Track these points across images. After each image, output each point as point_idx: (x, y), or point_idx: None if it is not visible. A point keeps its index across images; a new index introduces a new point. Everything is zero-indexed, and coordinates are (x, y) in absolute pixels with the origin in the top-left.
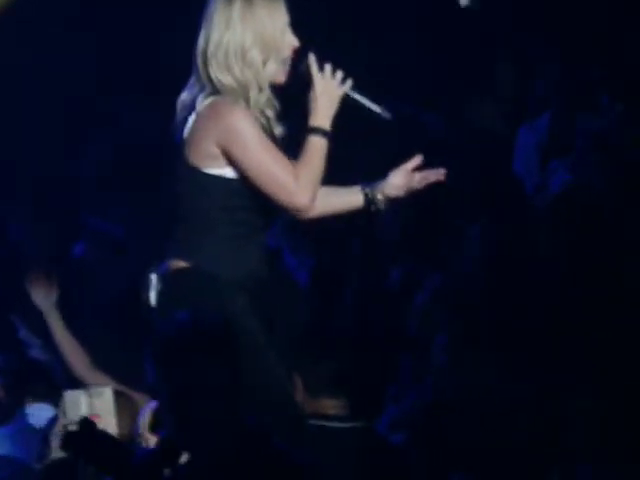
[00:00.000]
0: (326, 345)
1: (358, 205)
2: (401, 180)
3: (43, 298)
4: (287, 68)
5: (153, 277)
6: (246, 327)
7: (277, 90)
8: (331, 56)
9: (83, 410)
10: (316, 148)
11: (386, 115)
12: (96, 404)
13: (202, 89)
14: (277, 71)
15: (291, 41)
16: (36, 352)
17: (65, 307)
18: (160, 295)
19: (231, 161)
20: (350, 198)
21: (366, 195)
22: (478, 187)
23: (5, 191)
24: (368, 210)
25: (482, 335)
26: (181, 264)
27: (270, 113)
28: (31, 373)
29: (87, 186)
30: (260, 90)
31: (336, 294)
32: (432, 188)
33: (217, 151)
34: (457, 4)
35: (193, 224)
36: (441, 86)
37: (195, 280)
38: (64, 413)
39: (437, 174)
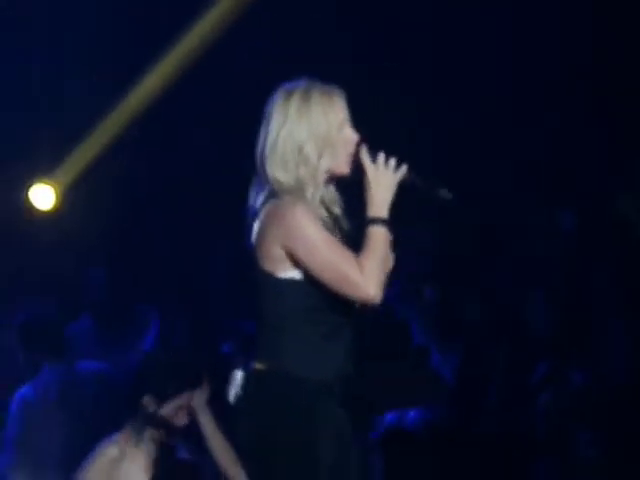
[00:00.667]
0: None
1: None
2: None
3: (197, 397)
4: (350, 161)
5: (238, 374)
6: (319, 446)
7: (343, 183)
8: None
9: None
10: (376, 238)
11: (447, 196)
12: None
13: (262, 189)
14: (337, 165)
15: (350, 136)
16: (183, 452)
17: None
18: (242, 394)
19: (296, 262)
20: None
21: None
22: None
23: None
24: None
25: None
26: (266, 365)
27: (336, 208)
28: (179, 472)
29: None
30: (317, 186)
31: (480, 392)
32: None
33: (283, 254)
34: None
35: (275, 326)
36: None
37: (279, 383)
38: None
39: None
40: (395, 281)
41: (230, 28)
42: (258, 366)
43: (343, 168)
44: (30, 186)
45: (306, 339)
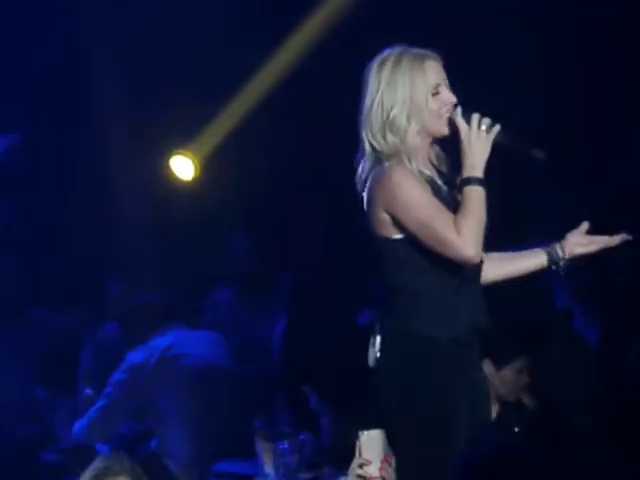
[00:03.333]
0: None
1: (540, 267)
2: (583, 238)
3: None
4: (447, 122)
5: (376, 339)
6: (448, 405)
7: (448, 142)
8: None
9: (380, 450)
10: (472, 198)
11: (540, 155)
12: None
13: (365, 157)
14: (432, 127)
15: (446, 98)
16: (325, 422)
17: None
18: (380, 358)
19: (400, 224)
20: (531, 261)
21: (550, 255)
22: None
23: None
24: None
25: None
26: (398, 328)
27: (444, 167)
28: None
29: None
30: (411, 150)
31: (621, 356)
32: None
33: (388, 217)
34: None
35: (401, 289)
36: None
37: (414, 344)
38: (360, 453)
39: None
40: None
41: None
42: (390, 330)
43: (440, 129)
44: (170, 156)
45: (432, 297)
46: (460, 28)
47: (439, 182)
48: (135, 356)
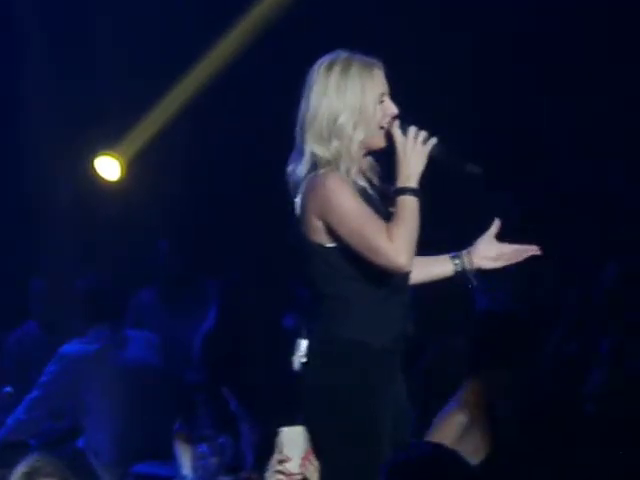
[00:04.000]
0: None
1: (446, 275)
2: (491, 250)
3: None
4: (386, 134)
5: (302, 343)
6: (375, 409)
7: (382, 154)
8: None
9: (301, 446)
10: (406, 207)
11: (475, 171)
12: None
13: (301, 162)
14: (373, 138)
15: (388, 109)
16: (244, 426)
17: None
18: (305, 362)
19: (333, 232)
20: (438, 269)
21: (456, 266)
22: None
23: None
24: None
25: None
26: (326, 333)
27: (375, 178)
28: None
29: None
30: (352, 159)
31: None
32: None
33: (322, 224)
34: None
35: (331, 295)
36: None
37: (341, 349)
38: (280, 449)
39: (533, 249)
40: None
41: None
42: (318, 334)
43: (379, 141)
44: (95, 157)
45: (362, 305)
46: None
47: (370, 192)
48: (69, 348)
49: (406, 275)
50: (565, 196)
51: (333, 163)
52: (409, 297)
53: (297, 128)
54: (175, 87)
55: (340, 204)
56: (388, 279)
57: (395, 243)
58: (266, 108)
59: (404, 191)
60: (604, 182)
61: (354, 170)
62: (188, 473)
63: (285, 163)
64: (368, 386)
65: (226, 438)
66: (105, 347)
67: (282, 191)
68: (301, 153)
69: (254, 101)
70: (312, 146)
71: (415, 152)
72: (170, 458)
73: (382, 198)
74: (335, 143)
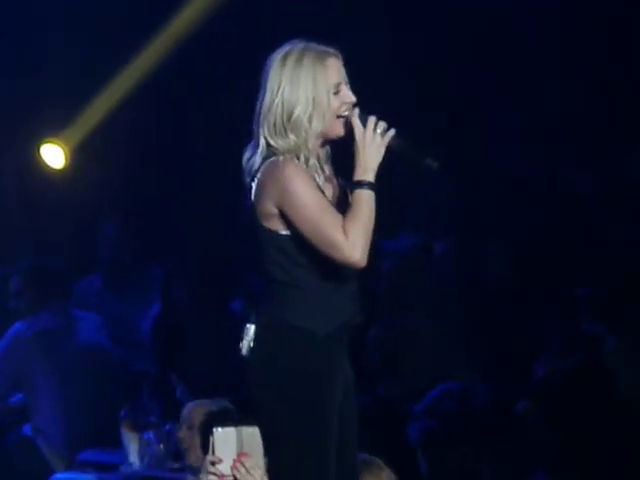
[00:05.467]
0: None
1: None
2: None
3: None
4: (345, 122)
5: (250, 328)
6: (321, 394)
7: (339, 143)
8: None
9: (233, 448)
10: (361, 201)
11: (432, 165)
12: (246, 443)
13: (257, 149)
14: (330, 127)
15: (346, 98)
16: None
17: None
18: (253, 347)
19: (287, 220)
20: None
21: None
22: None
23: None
24: None
25: None
26: (274, 319)
27: (327, 169)
28: None
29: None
30: (309, 150)
31: None
32: None
33: (278, 211)
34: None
35: (281, 281)
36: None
37: (288, 334)
38: (213, 450)
39: None
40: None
41: None
42: (267, 319)
43: (337, 130)
44: (40, 145)
45: (312, 292)
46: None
47: (321, 183)
48: (19, 326)
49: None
50: (516, 181)
51: (291, 153)
52: (357, 285)
53: (254, 117)
54: (119, 74)
55: (297, 192)
56: (339, 269)
57: (350, 238)
58: (212, 95)
59: (361, 184)
60: (555, 168)
61: (312, 161)
62: (135, 460)
63: (231, 149)
64: (313, 372)
65: (172, 425)
66: (55, 327)
67: (229, 177)
68: (257, 142)
69: (199, 87)
70: (268, 138)
71: (374, 144)
72: (117, 444)
73: (335, 189)
74: (292, 136)
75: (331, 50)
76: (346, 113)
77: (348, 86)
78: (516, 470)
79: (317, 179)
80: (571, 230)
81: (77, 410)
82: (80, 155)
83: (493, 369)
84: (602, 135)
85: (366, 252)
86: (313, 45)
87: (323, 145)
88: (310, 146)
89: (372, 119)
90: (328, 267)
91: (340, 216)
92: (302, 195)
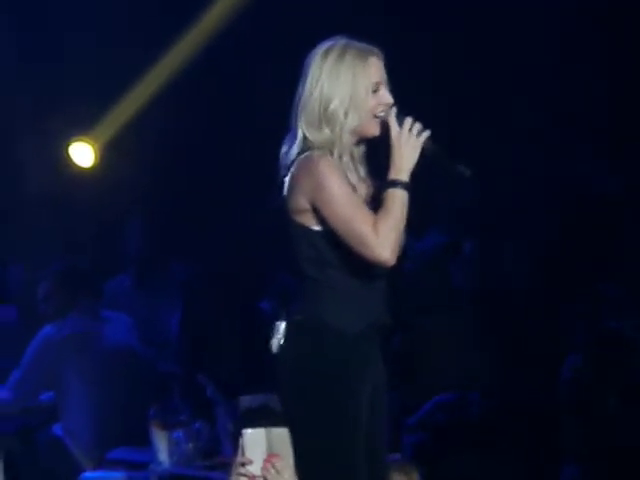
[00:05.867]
0: None
1: None
2: None
3: None
4: (380, 123)
5: (281, 325)
6: (348, 392)
7: (375, 143)
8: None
9: (263, 449)
10: (394, 200)
11: (465, 171)
12: (276, 444)
13: (294, 144)
14: (366, 126)
15: (383, 98)
16: (221, 411)
17: None
18: (283, 344)
19: (320, 215)
20: None
21: None
22: None
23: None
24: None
25: None
26: (305, 316)
27: (362, 169)
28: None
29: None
30: (343, 146)
31: None
32: None
33: (309, 207)
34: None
35: (312, 278)
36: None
37: (318, 332)
38: (243, 451)
39: None
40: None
41: None
42: (298, 317)
43: (372, 129)
44: (69, 143)
45: (342, 290)
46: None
47: (355, 181)
48: (49, 330)
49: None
50: (533, 180)
51: (325, 148)
52: (386, 283)
53: (293, 111)
54: (149, 72)
55: (330, 187)
56: (370, 267)
57: (381, 236)
58: (240, 94)
59: (395, 184)
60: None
61: (345, 157)
62: (164, 459)
63: (259, 147)
64: (341, 371)
65: (202, 424)
66: (85, 329)
67: (259, 175)
68: (295, 136)
69: (229, 86)
70: (305, 130)
71: (409, 144)
72: (146, 444)
73: (369, 190)
74: (326, 129)
75: (374, 49)
76: (382, 114)
77: (387, 87)
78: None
79: (350, 177)
80: (591, 229)
81: (107, 411)
82: (109, 153)
83: (518, 371)
84: (619, 133)
85: (396, 251)
86: (356, 42)
87: (358, 144)
88: (344, 141)
89: (408, 120)
90: (359, 265)
91: (372, 214)
92: (336, 191)
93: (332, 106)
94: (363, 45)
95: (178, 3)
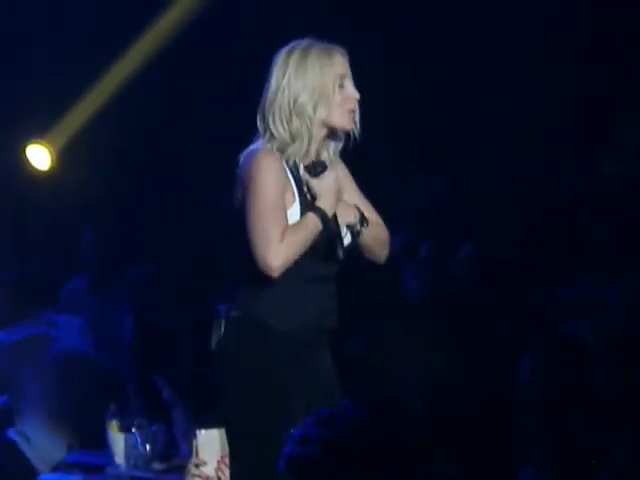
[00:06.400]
0: None
1: None
2: None
3: None
4: (351, 117)
5: (221, 322)
6: (284, 393)
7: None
8: None
9: (217, 449)
10: (308, 223)
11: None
12: None
13: (258, 143)
14: (335, 118)
15: (350, 92)
16: (178, 413)
17: None
18: (220, 340)
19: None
20: None
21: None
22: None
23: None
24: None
25: None
26: (242, 313)
27: (337, 162)
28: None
29: None
30: (311, 137)
31: None
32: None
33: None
34: None
35: (252, 275)
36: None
37: (252, 330)
38: (197, 452)
39: None
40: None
41: None
42: (235, 313)
43: (343, 122)
44: (26, 147)
45: (281, 289)
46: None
47: (303, 179)
48: (2, 335)
49: (332, 268)
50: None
51: (289, 142)
52: (334, 290)
53: (259, 111)
54: (103, 76)
55: (260, 181)
56: (308, 269)
57: (283, 244)
58: (195, 98)
59: (318, 210)
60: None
61: (313, 149)
62: (121, 462)
63: (214, 149)
64: (266, 368)
65: (159, 426)
66: (38, 334)
67: (212, 181)
68: (262, 134)
69: (184, 88)
70: (272, 127)
71: (330, 195)
72: (103, 447)
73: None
74: (296, 122)
75: (338, 47)
76: (351, 106)
77: (353, 83)
78: None
79: (297, 172)
80: (554, 230)
81: (62, 414)
82: (65, 157)
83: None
84: (579, 134)
85: (285, 266)
86: (319, 42)
87: (329, 137)
88: (313, 133)
89: (332, 173)
90: (300, 266)
91: (286, 223)
92: (263, 186)
93: (300, 100)
94: (327, 44)
95: (133, 8)
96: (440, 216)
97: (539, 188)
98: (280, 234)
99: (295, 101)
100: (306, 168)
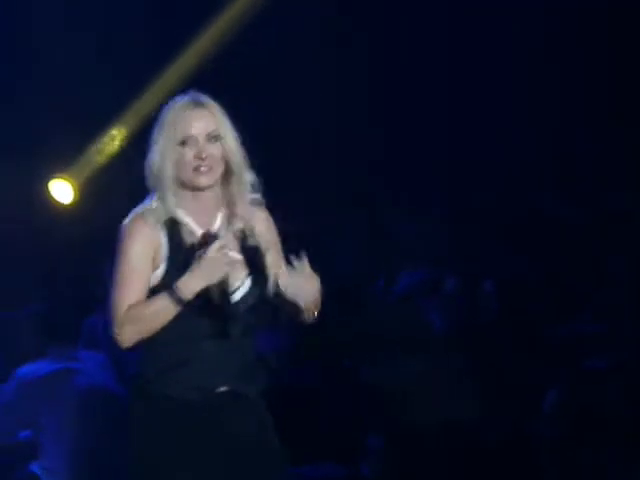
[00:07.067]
0: None
1: None
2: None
3: None
4: (199, 174)
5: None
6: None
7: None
8: None
9: None
10: (160, 305)
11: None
12: None
13: None
14: (184, 176)
15: (190, 152)
16: None
17: None
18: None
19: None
20: None
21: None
22: None
23: None
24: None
25: None
26: (133, 374)
27: (235, 204)
28: None
29: None
30: (165, 194)
31: None
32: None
33: None
34: None
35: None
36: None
37: (135, 393)
38: None
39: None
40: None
41: None
42: (134, 381)
43: (193, 180)
44: (49, 181)
45: (162, 349)
46: None
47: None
48: (26, 369)
49: (236, 323)
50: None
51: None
52: (238, 344)
53: None
54: (125, 109)
55: (123, 250)
56: (197, 327)
57: (126, 320)
58: None
59: (176, 292)
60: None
61: (172, 204)
62: None
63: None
64: (144, 434)
65: None
66: (61, 369)
67: None
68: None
69: None
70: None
71: (211, 265)
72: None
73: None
74: (152, 177)
75: (202, 102)
76: (197, 163)
77: (209, 139)
78: None
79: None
80: (564, 262)
81: (84, 449)
82: (88, 191)
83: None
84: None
85: (131, 342)
86: (200, 95)
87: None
88: (166, 189)
89: (221, 241)
90: (181, 323)
91: (140, 296)
92: (124, 254)
93: (150, 154)
94: (201, 98)
95: (156, 48)
96: (461, 251)
97: (554, 223)
98: (126, 309)
99: (148, 157)
100: (202, 237)
